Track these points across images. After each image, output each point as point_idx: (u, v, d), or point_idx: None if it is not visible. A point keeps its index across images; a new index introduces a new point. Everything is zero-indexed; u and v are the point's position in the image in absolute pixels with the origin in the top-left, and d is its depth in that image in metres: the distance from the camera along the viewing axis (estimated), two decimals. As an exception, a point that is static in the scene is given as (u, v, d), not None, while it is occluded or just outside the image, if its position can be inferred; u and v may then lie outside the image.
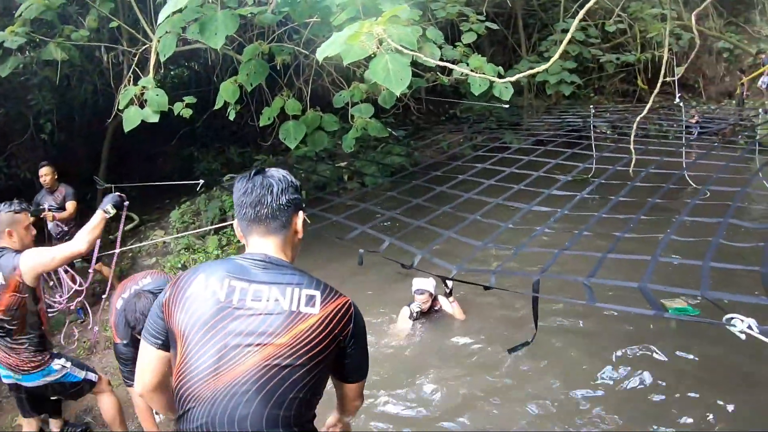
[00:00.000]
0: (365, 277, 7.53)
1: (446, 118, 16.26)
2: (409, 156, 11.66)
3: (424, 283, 6.08)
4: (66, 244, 3.86)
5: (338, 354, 1.99)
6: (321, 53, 2.99)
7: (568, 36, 3.44)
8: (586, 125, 10.49)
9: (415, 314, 6.06)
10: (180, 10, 6.07)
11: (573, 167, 7.68)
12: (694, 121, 13.12)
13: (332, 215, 6.78)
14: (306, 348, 1.86)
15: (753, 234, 6.75)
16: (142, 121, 6.22)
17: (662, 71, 4.38)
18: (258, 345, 1.83)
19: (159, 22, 4.48)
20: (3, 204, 3.98)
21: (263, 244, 2.05)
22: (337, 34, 2.90)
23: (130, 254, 8.73)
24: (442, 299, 6.29)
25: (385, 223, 7.93)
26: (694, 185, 7.55)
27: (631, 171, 5.67)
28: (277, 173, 2.09)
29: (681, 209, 6.01)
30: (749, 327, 3.07)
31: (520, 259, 6.62)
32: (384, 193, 8.74)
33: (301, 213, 2.12)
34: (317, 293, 1.93)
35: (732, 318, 3.13)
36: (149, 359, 2.07)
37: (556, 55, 3.42)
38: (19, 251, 3.82)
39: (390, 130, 11.18)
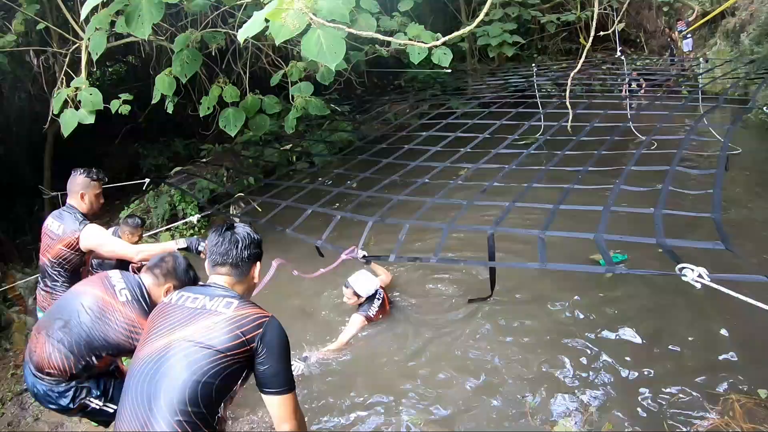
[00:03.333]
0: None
1: (391, 89, 16.21)
2: (355, 130, 11.59)
3: (354, 279, 5.74)
4: (126, 244, 4.31)
5: (249, 356, 2.37)
6: (242, 34, 2.91)
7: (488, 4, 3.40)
8: (529, 85, 10.53)
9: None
10: (106, 4, 5.95)
11: (519, 126, 7.69)
12: (636, 75, 13.29)
13: (281, 201, 6.65)
14: (215, 334, 2.33)
15: (703, 182, 6.86)
16: (84, 123, 6.07)
17: (592, 26, 4.35)
18: (189, 325, 2.39)
19: (83, 15, 4.33)
20: (81, 169, 4.35)
21: (219, 278, 2.60)
22: (257, 12, 2.82)
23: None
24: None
25: (335, 203, 7.92)
26: (640, 136, 7.62)
27: (569, 127, 5.67)
28: (242, 231, 2.67)
29: (629, 160, 6.04)
30: (700, 275, 3.17)
31: (471, 214, 6.64)
32: (332, 171, 8.71)
33: (258, 264, 2.71)
34: (235, 301, 2.45)
35: (683, 267, 3.25)
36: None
37: (482, 15, 3.39)
38: (85, 215, 4.21)
39: (334, 106, 11.11)
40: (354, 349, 5.41)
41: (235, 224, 2.69)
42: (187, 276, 3.47)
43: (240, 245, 2.59)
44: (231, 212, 8.67)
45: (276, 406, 2.39)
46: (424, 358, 5.12)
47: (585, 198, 6.11)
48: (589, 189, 5.83)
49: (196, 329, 2.35)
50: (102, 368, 3.33)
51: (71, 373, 3.20)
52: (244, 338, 2.32)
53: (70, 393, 3.28)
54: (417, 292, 6.33)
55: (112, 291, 3.28)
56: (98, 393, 3.36)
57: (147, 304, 3.27)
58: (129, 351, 3.10)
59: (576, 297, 5.70)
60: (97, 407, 3.36)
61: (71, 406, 3.29)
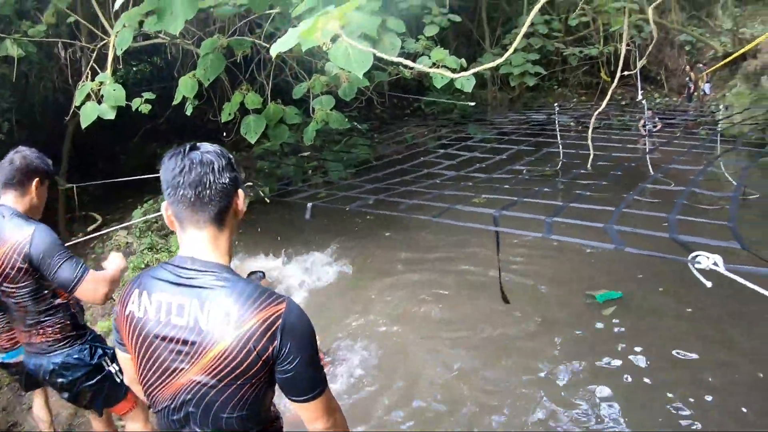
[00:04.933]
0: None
1: (410, 112, 16.29)
2: (372, 148, 11.65)
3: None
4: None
5: (269, 371, 1.79)
6: (275, 50, 2.94)
7: (526, 25, 3.44)
8: (550, 120, 10.60)
9: None
10: (137, 2, 6.03)
11: (537, 152, 7.74)
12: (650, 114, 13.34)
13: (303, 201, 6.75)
14: (227, 370, 1.73)
15: (717, 212, 6.93)
16: (104, 118, 6.13)
17: (619, 65, 4.39)
18: (187, 363, 1.76)
19: (116, 6, 4.39)
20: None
21: (196, 238, 1.82)
22: (292, 30, 2.86)
23: (93, 256, 8.61)
24: None
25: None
26: (653, 172, 7.67)
27: (589, 166, 5.69)
28: (213, 148, 1.84)
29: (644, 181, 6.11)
30: (715, 264, 2.98)
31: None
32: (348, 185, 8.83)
33: (241, 192, 1.89)
34: (235, 308, 1.71)
35: (697, 255, 3.04)
36: (125, 362, 2.02)
37: (513, 47, 3.42)
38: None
39: (354, 122, 11.17)
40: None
41: (192, 144, 1.86)
42: (46, 161, 3.26)
43: (216, 166, 1.79)
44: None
45: (306, 409, 1.88)
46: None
47: (597, 204, 6.18)
48: (602, 197, 5.84)
49: (203, 367, 1.74)
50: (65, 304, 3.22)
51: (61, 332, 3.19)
52: (259, 355, 1.73)
53: (86, 350, 3.27)
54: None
55: None
56: (111, 352, 3.32)
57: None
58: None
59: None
60: (114, 372, 3.32)
61: (92, 362, 3.26)
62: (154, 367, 1.81)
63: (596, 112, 5.25)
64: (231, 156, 1.88)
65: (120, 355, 2.02)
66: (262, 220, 10.04)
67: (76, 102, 6.30)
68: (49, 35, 8.15)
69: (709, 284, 2.94)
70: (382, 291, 6.75)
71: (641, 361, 5.10)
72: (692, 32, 17.85)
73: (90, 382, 3.30)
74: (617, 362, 5.13)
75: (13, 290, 3.02)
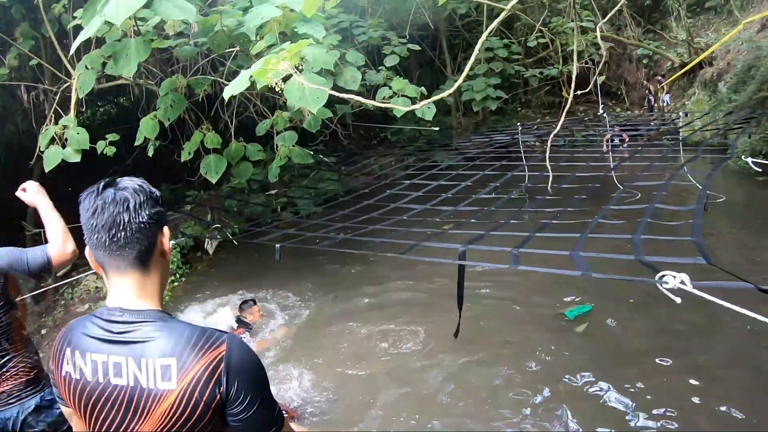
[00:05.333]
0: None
1: (377, 142, 16.42)
2: (340, 181, 11.69)
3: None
4: None
5: (221, 416, 1.64)
6: (227, 92, 2.98)
7: (476, 50, 3.49)
8: (514, 141, 10.69)
9: None
10: (98, 45, 6.08)
11: (502, 176, 7.81)
12: (618, 130, 13.53)
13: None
14: (177, 425, 1.59)
15: (682, 225, 7.05)
16: (67, 162, 6.13)
17: (572, 83, 4.48)
18: (137, 422, 1.62)
19: (71, 51, 4.43)
20: None
21: (120, 285, 1.67)
22: (244, 71, 2.91)
23: (63, 302, 8.53)
24: None
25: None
26: (620, 185, 7.76)
27: (549, 187, 5.74)
28: (131, 183, 1.67)
29: (608, 202, 6.19)
30: (682, 282, 2.94)
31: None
32: (317, 220, 8.86)
33: (166, 229, 1.71)
34: (173, 361, 1.57)
35: (664, 275, 3.01)
36: (69, 416, 1.88)
37: (464, 72, 3.49)
38: None
39: (321, 156, 11.21)
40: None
41: (117, 178, 1.70)
42: None
43: (132, 204, 1.62)
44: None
45: None
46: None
47: (562, 231, 6.25)
48: (567, 223, 5.90)
49: (153, 425, 1.61)
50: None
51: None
52: (208, 405, 1.59)
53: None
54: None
55: None
56: None
57: None
58: None
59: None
60: None
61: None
62: (104, 429, 1.67)
63: (552, 135, 5.28)
64: (153, 190, 1.71)
65: (64, 409, 1.87)
66: (231, 260, 10.06)
67: (41, 146, 6.29)
68: (12, 78, 8.15)
69: (678, 300, 2.95)
70: (346, 331, 6.76)
71: (617, 380, 5.17)
72: (648, 45, 18.28)
73: (66, 427, 3.01)
74: (592, 381, 5.20)
75: None
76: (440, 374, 5.57)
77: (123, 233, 1.61)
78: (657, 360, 5.40)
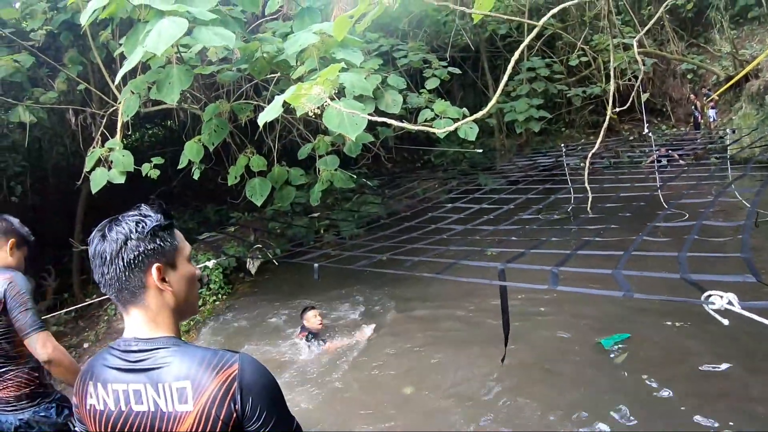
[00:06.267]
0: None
1: (420, 165, 16.37)
2: (383, 204, 11.69)
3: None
4: None
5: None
6: (261, 119, 3.01)
7: (509, 70, 3.46)
8: (558, 163, 10.59)
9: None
10: (145, 70, 6.20)
11: (546, 199, 7.73)
12: (664, 151, 13.28)
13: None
14: None
15: (729, 243, 6.88)
16: (113, 183, 6.24)
17: (609, 102, 4.43)
18: None
19: (116, 80, 4.55)
20: None
21: (132, 318, 1.74)
22: (277, 98, 2.93)
23: (105, 317, 8.67)
24: None
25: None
26: (665, 204, 7.62)
27: (589, 208, 5.64)
28: (115, 228, 1.70)
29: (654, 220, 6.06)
30: (729, 303, 2.80)
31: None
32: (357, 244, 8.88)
33: (154, 268, 1.71)
34: (187, 384, 1.63)
35: (710, 295, 2.86)
36: None
37: (499, 90, 3.46)
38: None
39: (364, 180, 11.25)
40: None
41: (115, 218, 1.74)
42: (24, 230, 3.46)
43: (108, 255, 1.68)
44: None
45: None
46: None
47: (604, 250, 6.13)
48: (610, 242, 5.79)
49: None
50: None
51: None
52: (225, 423, 1.64)
53: (53, 409, 3.29)
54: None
55: None
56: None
57: None
58: None
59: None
60: None
61: (60, 420, 3.27)
62: None
63: (591, 153, 5.23)
64: (139, 227, 1.71)
65: None
66: (273, 281, 10.12)
67: (87, 167, 6.41)
68: (60, 102, 8.38)
69: (726, 322, 2.78)
70: (392, 352, 6.77)
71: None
72: (692, 60, 17.93)
73: None
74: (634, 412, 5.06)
75: None
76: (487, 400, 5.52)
77: (109, 282, 1.69)
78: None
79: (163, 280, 1.73)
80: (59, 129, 10.05)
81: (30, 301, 3.14)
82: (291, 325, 7.79)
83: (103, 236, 1.69)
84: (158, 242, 1.73)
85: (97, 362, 1.77)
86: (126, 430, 1.68)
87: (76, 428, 1.90)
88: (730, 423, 4.72)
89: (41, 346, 3.07)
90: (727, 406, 4.97)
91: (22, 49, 7.69)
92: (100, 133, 7.25)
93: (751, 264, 3.61)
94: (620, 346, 6.17)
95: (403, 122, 3.00)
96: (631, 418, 4.96)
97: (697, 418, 4.83)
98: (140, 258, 1.69)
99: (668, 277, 3.93)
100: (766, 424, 4.64)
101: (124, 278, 1.68)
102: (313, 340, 7.05)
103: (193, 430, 1.62)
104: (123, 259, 1.67)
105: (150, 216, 1.74)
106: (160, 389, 1.64)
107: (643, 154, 13.15)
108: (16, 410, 3.22)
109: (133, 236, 1.69)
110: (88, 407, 1.74)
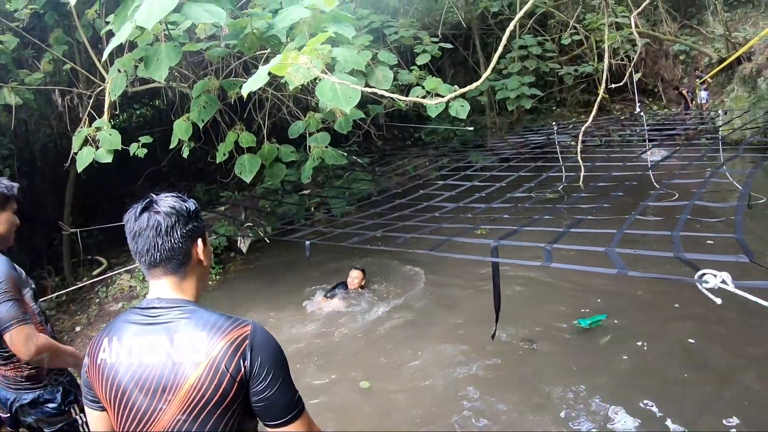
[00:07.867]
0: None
1: (411, 142, 16.30)
2: (374, 182, 11.66)
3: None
4: None
5: (245, 397, 1.81)
6: (246, 88, 2.96)
7: (503, 40, 3.43)
8: (550, 141, 10.55)
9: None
10: (130, 48, 6.10)
11: (537, 177, 7.72)
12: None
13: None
14: (203, 401, 1.77)
15: (722, 223, 6.92)
16: (100, 162, 6.15)
17: (602, 80, 4.39)
18: (164, 402, 1.79)
19: (104, 57, 4.45)
20: None
21: (159, 285, 1.92)
22: (262, 67, 2.88)
23: (97, 300, 8.62)
24: None
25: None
26: (657, 184, 7.62)
27: (581, 184, 5.63)
28: (165, 204, 1.88)
29: (646, 199, 6.08)
30: (723, 281, 2.82)
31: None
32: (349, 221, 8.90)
33: (200, 241, 1.96)
34: (203, 335, 1.78)
35: (704, 274, 2.89)
36: (94, 421, 2.00)
37: (491, 66, 3.43)
38: None
39: (355, 157, 11.20)
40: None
41: (155, 198, 1.92)
42: (2, 184, 3.17)
43: (164, 227, 1.84)
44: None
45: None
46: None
47: (598, 228, 6.12)
48: (603, 220, 5.80)
49: (179, 403, 1.77)
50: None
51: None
52: (233, 377, 1.77)
53: (60, 393, 3.19)
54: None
55: None
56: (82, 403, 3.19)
57: None
58: None
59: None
60: (80, 422, 3.21)
61: (63, 407, 3.18)
62: (131, 415, 1.83)
63: (583, 128, 5.21)
64: (187, 207, 1.94)
65: (91, 414, 2.01)
66: (264, 259, 10.09)
67: (74, 148, 6.32)
68: (47, 83, 8.27)
69: (719, 301, 2.83)
70: (374, 328, 6.94)
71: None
72: (685, 41, 17.94)
73: (53, 429, 3.22)
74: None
75: None
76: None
77: (159, 254, 1.87)
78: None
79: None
80: (46, 110, 9.93)
81: (11, 290, 2.84)
82: (282, 303, 7.79)
83: (156, 211, 1.86)
84: (200, 221, 1.98)
85: (118, 320, 1.92)
86: (132, 384, 1.81)
87: (85, 397, 2.00)
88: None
89: (22, 342, 2.82)
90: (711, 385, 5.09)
91: (6, 29, 7.57)
92: (87, 113, 7.14)
93: (743, 243, 3.62)
94: (598, 325, 6.29)
95: (395, 96, 2.96)
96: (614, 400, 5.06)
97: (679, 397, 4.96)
98: (192, 232, 1.93)
99: (662, 255, 3.96)
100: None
101: (177, 248, 1.88)
102: (339, 290, 7.67)
103: (201, 380, 1.76)
104: (178, 231, 1.88)
105: (185, 199, 1.97)
106: (176, 340, 1.80)
107: (635, 134, 13.10)
108: (19, 389, 3.14)
109: (184, 213, 1.91)
110: (98, 362, 1.88)
